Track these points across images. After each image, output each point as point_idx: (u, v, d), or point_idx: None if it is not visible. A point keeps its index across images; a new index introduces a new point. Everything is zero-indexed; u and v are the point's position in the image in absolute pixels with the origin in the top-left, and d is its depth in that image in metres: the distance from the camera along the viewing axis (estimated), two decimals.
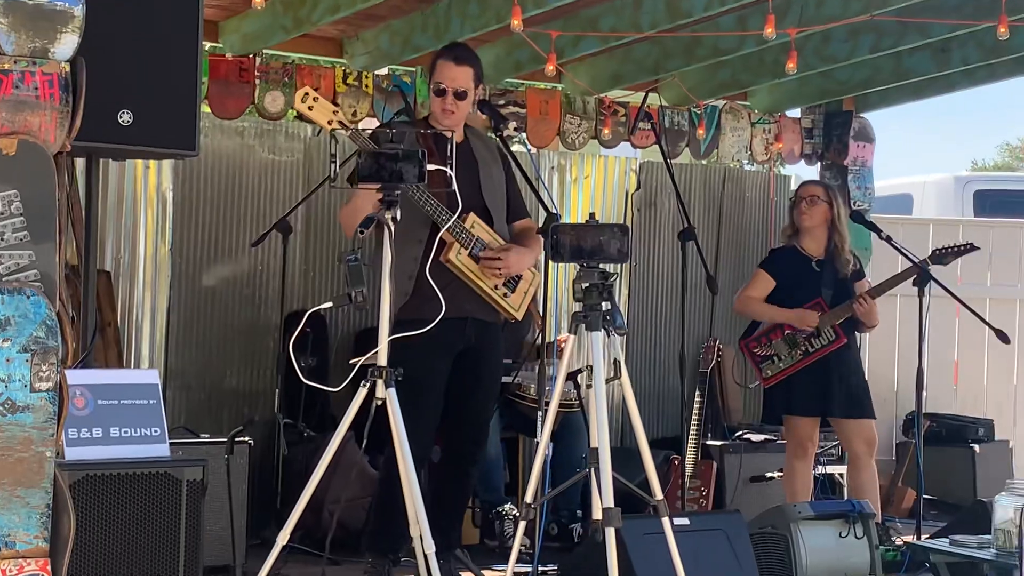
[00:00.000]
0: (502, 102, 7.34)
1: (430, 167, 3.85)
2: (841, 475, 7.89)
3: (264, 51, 6.79)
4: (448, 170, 3.90)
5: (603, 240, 3.91)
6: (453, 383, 5.12)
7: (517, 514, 6.38)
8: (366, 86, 7.02)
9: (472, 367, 5.17)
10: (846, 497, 7.74)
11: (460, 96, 5.08)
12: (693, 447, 7.09)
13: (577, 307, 4.03)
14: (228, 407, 7.06)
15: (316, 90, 4.51)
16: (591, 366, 3.95)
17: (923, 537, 6.37)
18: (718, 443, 7.36)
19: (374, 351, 3.96)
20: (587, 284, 3.93)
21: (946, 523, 6.27)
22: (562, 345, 6.07)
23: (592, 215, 4.00)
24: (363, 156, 3.81)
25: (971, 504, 6.07)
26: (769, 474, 7.33)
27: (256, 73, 6.73)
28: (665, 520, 4.04)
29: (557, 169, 8.05)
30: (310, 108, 4.49)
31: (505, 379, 6.71)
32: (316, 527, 5.97)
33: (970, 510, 5.99)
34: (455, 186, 4.01)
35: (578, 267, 3.98)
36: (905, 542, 6.21)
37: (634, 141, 7.74)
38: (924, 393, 6.83)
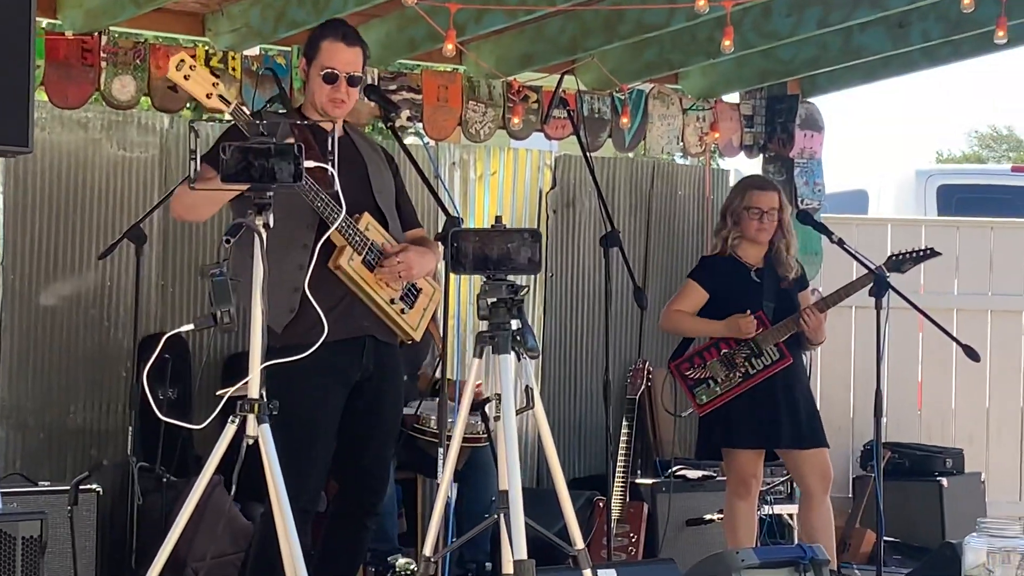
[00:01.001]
0: (393, 87, 7.33)
1: (309, 164, 3.83)
2: (791, 515, 7.98)
3: (111, 28, 6.72)
4: (330, 167, 3.88)
5: (511, 248, 3.91)
6: (347, 420, 5.06)
7: (415, 569, 6.40)
8: (233, 69, 6.98)
9: (372, 401, 5.09)
10: (796, 541, 7.85)
11: (353, 82, 5.07)
12: (620, 487, 7.14)
13: (483, 326, 4.03)
14: (72, 449, 6.99)
15: (193, 56, 4.42)
16: (499, 395, 3.95)
17: None
18: (649, 482, 7.42)
19: (245, 380, 3.93)
20: (493, 299, 3.93)
21: (910, 570, 6.36)
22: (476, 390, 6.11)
23: (499, 218, 4.00)
24: (229, 151, 3.78)
25: (939, 547, 6.16)
26: (708, 516, 7.39)
27: (102, 54, 6.66)
28: (587, 573, 4.05)
29: (459, 164, 8.06)
30: (186, 77, 4.40)
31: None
32: None
33: (937, 554, 6.08)
34: (338, 186, 3.99)
35: (483, 280, 3.99)
36: None
37: (548, 131, 7.76)
38: (884, 420, 6.92)
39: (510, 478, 3.88)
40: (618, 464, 7.15)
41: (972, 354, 6.61)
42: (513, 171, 8.24)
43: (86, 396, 7.04)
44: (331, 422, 4.98)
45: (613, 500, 7.02)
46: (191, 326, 3.80)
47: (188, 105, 7.11)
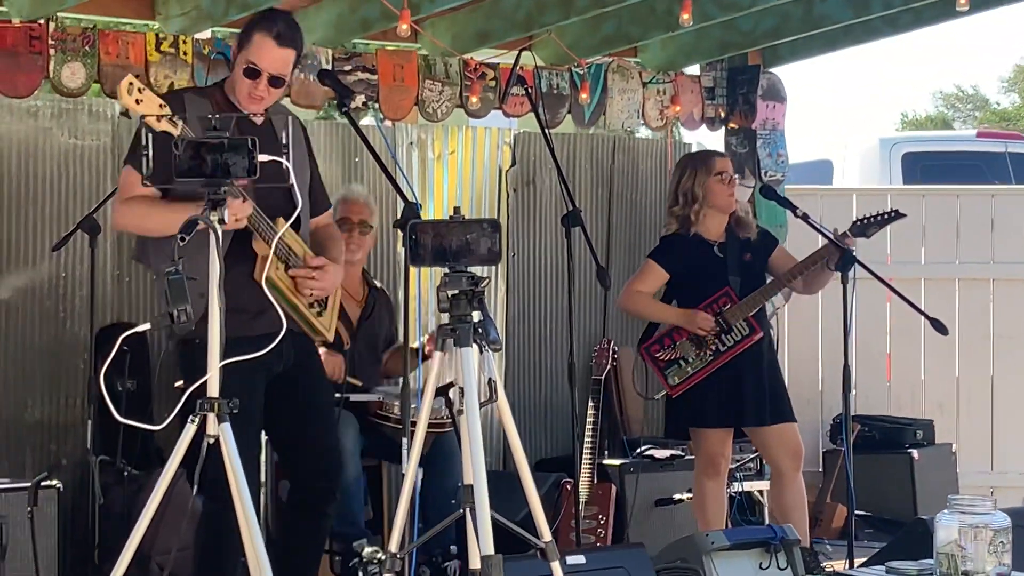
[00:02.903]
0: (348, 67, 7.31)
1: (263, 157, 3.83)
2: (761, 492, 8.02)
3: (59, 15, 6.68)
4: (284, 160, 3.87)
5: (471, 239, 3.91)
6: (280, 412, 5.06)
7: (381, 558, 6.40)
8: (184, 53, 6.95)
9: (301, 388, 5.11)
10: (767, 518, 7.90)
11: (276, 83, 5.00)
12: (588, 469, 7.15)
13: (444, 319, 4.04)
14: (31, 445, 6.98)
15: (137, 78, 4.40)
16: (462, 388, 3.97)
17: (856, 564, 6.50)
18: (616, 462, 7.41)
19: (203, 379, 3.93)
20: (454, 292, 3.94)
21: (882, 546, 6.40)
22: (429, 351, 6.11)
23: (457, 209, 4.01)
24: (183, 146, 3.78)
25: (910, 523, 6.18)
26: (677, 496, 7.40)
27: (50, 41, 6.62)
28: (555, 565, 4.08)
29: (417, 144, 8.05)
30: (138, 102, 4.35)
31: (365, 397, 6.75)
32: None
33: (909, 530, 6.09)
34: (293, 178, 3.97)
35: (443, 272, 3.99)
36: (835, 571, 6.33)
37: (506, 109, 7.75)
38: (853, 392, 6.95)
39: (475, 473, 3.90)
40: (585, 446, 7.16)
41: (940, 327, 6.62)
42: (472, 150, 8.24)
43: (43, 390, 7.02)
44: (260, 414, 4.99)
45: (581, 482, 7.04)
46: (148, 326, 3.80)
47: None
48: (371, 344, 7.07)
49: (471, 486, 3.91)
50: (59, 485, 6.17)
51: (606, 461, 7.41)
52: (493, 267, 7.88)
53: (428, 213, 8.01)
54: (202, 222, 3.79)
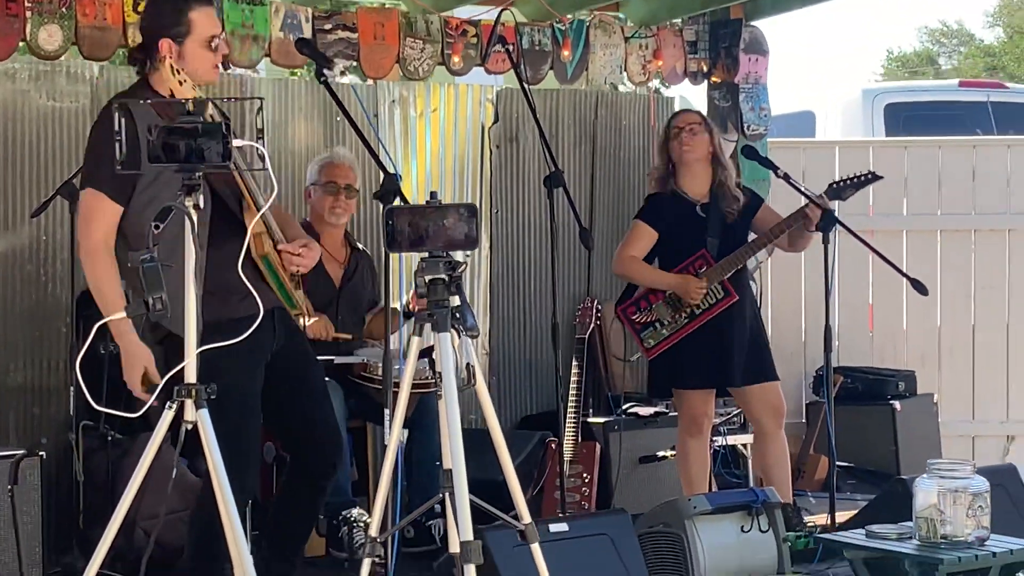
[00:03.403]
0: (328, 26, 7.23)
1: (238, 143, 3.78)
2: (745, 446, 8.03)
3: None
4: (259, 146, 3.82)
5: (447, 224, 3.87)
6: (275, 389, 5.03)
7: (368, 520, 6.40)
8: None
9: (295, 367, 5.09)
10: (751, 472, 7.92)
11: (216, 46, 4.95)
12: (572, 428, 7.15)
13: (421, 304, 4.00)
14: (14, 408, 6.95)
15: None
16: (440, 373, 3.95)
17: (838, 517, 6.53)
18: (601, 420, 7.39)
19: (181, 365, 3.90)
20: (431, 277, 3.91)
21: (864, 503, 6.41)
22: (413, 307, 6.06)
23: (433, 194, 3.96)
24: (155, 132, 3.72)
25: (890, 482, 6.21)
26: (661, 453, 7.40)
27: (27, 4, 6.53)
28: (535, 547, 4.07)
29: (399, 102, 7.99)
30: (181, 83, 4.35)
31: (348, 359, 6.72)
32: (128, 549, 5.92)
33: (889, 490, 6.12)
34: (267, 164, 3.91)
35: (420, 258, 3.96)
36: (817, 531, 6.35)
37: (488, 67, 7.69)
38: (836, 344, 6.94)
39: (454, 457, 3.88)
40: (569, 405, 7.15)
41: (920, 288, 6.62)
42: (454, 107, 8.17)
43: (25, 354, 6.98)
44: (259, 398, 4.97)
45: (565, 442, 7.02)
46: (123, 314, 3.76)
47: (119, 53, 7.00)
48: (354, 306, 7.05)
49: (451, 470, 3.89)
50: (42, 453, 6.15)
51: (590, 419, 7.40)
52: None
53: (411, 171, 7.97)
54: (176, 207, 3.75)
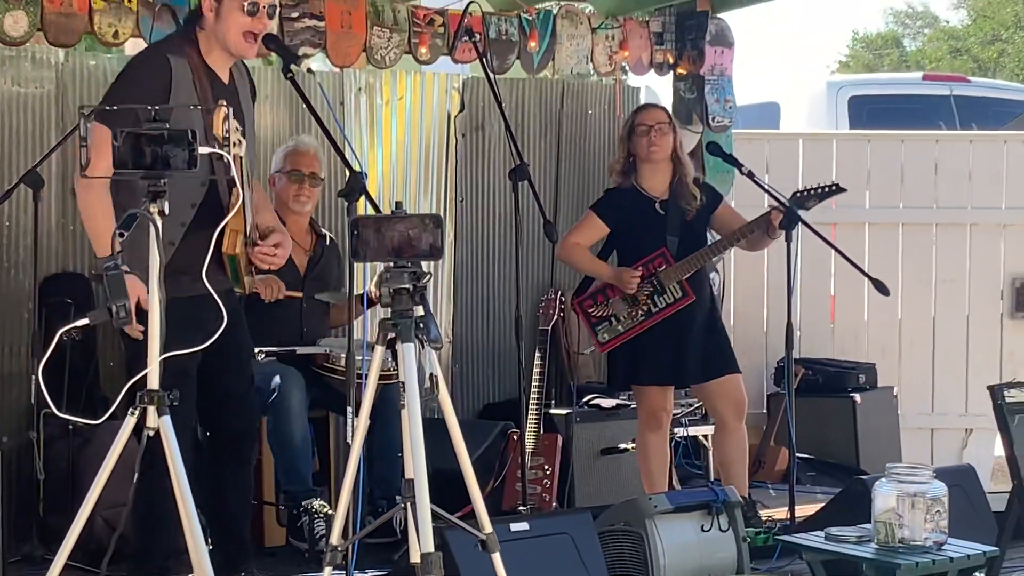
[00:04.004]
0: (296, 14, 7.19)
1: (203, 150, 3.76)
2: (707, 437, 8.07)
3: None
4: (225, 154, 3.79)
5: (412, 234, 3.87)
6: (202, 368, 5.04)
7: (329, 512, 6.40)
8: (129, 1, 6.82)
9: (227, 344, 4.99)
10: (712, 464, 7.95)
11: (271, 14, 4.99)
12: (534, 419, 7.15)
13: (384, 313, 3.99)
14: None
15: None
16: (403, 383, 3.94)
17: (797, 511, 6.56)
18: (563, 412, 7.39)
19: (143, 372, 3.88)
20: (396, 287, 3.90)
21: (822, 506, 6.44)
22: (373, 297, 6.02)
23: (399, 204, 3.95)
24: (121, 137, 3.70)
25: (850, 483, 6.23)
26: (623, 445, 7.40)
27: None
28: (495, 557, 4.07)
29: (365, 90, 7.96)
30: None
31: (311, 350, 6.71)
32: (88, 538, 5.89)
33: (848, 491, 6.15)
34: (233, 171, 3.89)
35: (384, 267, 3.95)
36: (776, 527, 6.38)
37: (455, 57, 7.67)
38: (797, 335, 6.96)
39: (415, 468, 3.88)
40: (531, 397, 7.15)
41: (882, 289, 6.63)
42: (420, 95, 8.14)
43: None
44: (193, 369, 4.98)
45: (527, 432, 7.03)
46: (86, 320, 3.74)
47: (85, 39, 6.95)
48: (320, 292, 7.02)
49: (412, 480, 3.89)
50: (4, 438, 6.13)
51: (552, 411, 7.39)
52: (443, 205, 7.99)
53: (376, 159, 7.95)
54: (140, 216, 3.72)
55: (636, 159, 6.81)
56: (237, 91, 5.10)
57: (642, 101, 8.80)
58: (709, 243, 6.85)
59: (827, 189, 6.76)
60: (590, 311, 6.79)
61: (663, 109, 7.01)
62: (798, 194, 6.78)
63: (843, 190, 6.84)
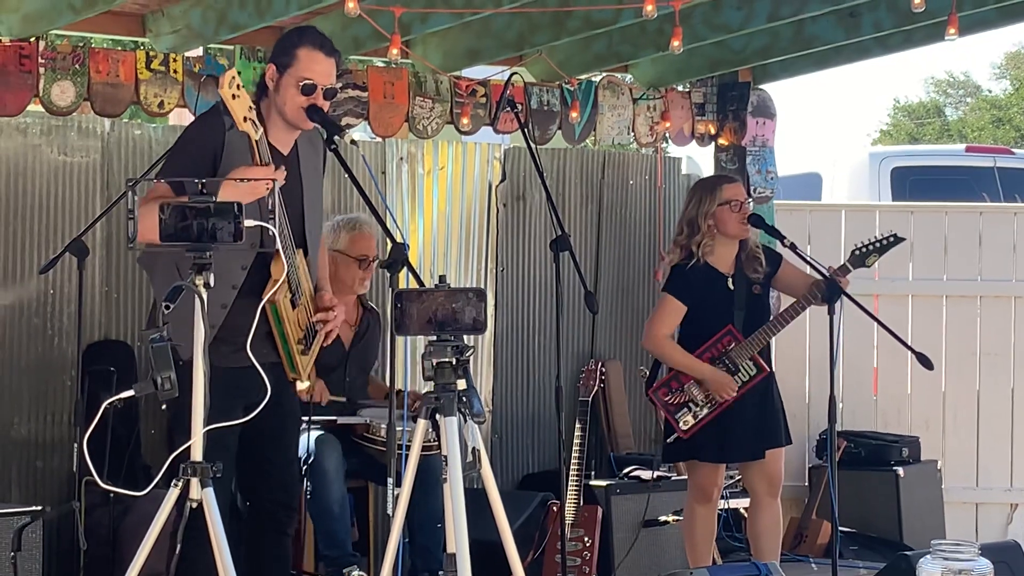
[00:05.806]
0: (339, 85, 7.25)
1: (249, 223, 3.80)
2: (747, 510, 8.01)
3: (49, 33, 6.66)
4: (271, 227, 3.83)
5: (456, 308, 3.90)
6: (244, 437, 4.98)
7: None
8: (175, 71, 6.93)
9: (272, 419, 4.93)
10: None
11: (329, 95, 5.02)
12: (574, 491, 7.13)
13: (428, 387, 4.02)
14: (17, 461, 6.97)
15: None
16: (446, 457, 3.96)
17: None
18: (603, 483, 7.38)
19: (187, 443, 3.91)
20: (438, 360, 3.92)
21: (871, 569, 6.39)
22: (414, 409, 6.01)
23: (442, 278, 3.99)
24: (168, 210, 3.75)
25: (894, 559, 6.18)
26: (663, 518, 7.38)
27: (40, 60, 6.61)
28: None
29: (407, 159, 8.02)
30: (234, 96, 4.48)
31: (352, 420, 6.73)
32: None
33: (892, 567, 6.10)
34: (279, 244, 3.92)
35: (427, 341, 3.97)
36: None
37: (497, 127, 7.73)
38: (839, 407, 6.90)
39: (458, 541, 3.89)
40: (572, 468, 7.14)
41: (926, 363, 6.50)
42: (462, 165, 8.20)
43: (30, 407, 7.01)
44: (234, 438, 4.95)
45: (567, 504, 7.02)
46: (132, 392, 3.77)
47: (131, 108, 7.04)
48: (363, 367, 7.07)
49: (454, 555, 3.90)
50: (46, 508, 6.17)
51: (593, 482, 7.38)
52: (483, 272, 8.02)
53: (418, 228, 8.00)
54: (186, 288, 3.77)
55: (704, 235, 6.61)
56: (299, 160, 5.14)
57: (683, 172, 8.85)
58: (772, 316, 6.75)
59: (886, 242, 6.64)
60: (667, 399, 6.64)
61: (740, 182, 6.90)
62: (858, 251, 6.63)
63: (902, 239, 6.72)
